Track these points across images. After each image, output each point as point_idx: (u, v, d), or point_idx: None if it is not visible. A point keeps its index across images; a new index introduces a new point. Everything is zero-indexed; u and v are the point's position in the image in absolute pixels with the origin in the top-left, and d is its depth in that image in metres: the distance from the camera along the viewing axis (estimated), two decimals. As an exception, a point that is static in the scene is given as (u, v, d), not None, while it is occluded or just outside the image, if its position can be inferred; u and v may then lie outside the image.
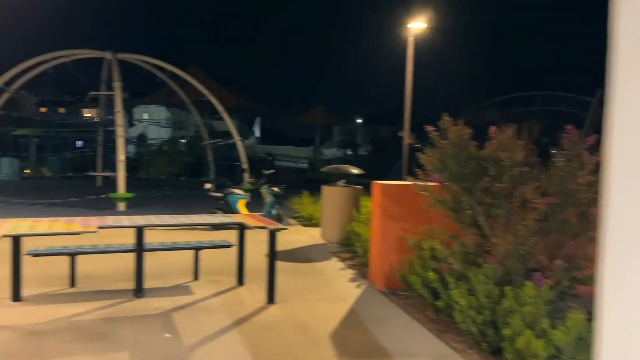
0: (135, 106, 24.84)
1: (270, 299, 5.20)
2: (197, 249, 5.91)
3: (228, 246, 6.04)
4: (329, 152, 44.84)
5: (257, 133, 54.32)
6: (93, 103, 18.96)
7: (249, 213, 9.57)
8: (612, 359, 1.09)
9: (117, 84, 13.24)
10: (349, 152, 44.31)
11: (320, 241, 8.62)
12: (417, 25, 11.13)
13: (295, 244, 8.27)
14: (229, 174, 18.31)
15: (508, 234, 4.24)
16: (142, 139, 27.53)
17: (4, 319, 4.45)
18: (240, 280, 5.81)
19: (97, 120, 18.42)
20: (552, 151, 4.67)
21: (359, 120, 60.38)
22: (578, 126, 4.93)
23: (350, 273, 6.62)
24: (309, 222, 10.51)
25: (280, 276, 5.34)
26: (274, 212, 9.92)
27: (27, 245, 5.22)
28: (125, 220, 5.24)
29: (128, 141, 14.32)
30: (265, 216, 8.62)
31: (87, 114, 38.64)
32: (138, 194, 12.80)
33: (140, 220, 5.23)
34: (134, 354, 3.93)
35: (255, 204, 10.45)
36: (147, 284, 5.37)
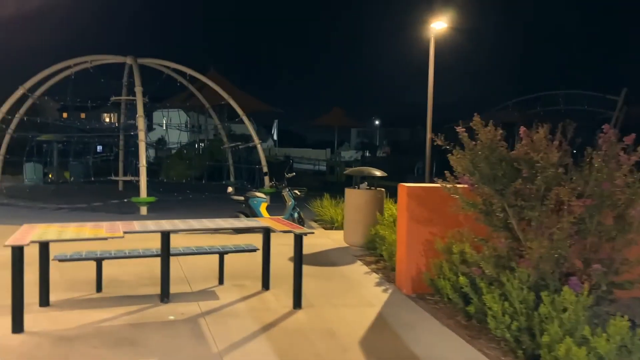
0: (154, 110, 25.03)
1: (297, 304, 5.14)
2: (222, 253, 5.87)
3: (253, 250, 6.00)
4: (347, 154, 44.72)
5: (275, 136, 54.44)
6: (114, 108, 19.17)
7: (270, 216, 9.54)
8: None
9: (138, 89, 13.34)
10: (367, 154, 44.14)
11: (343, 244, 8.53)
12: (439, 25, 11.00)
13: (318, 247, 8.20)
14: (248, 177, 18.33)
15: (543, 238, 4.11)
16: (161, 143, 27.76)
17: (32, 324, 4.45)
18: (266, 285, 5.75)
19: (117, 125, 18.62)
20: (587, 151, 4.53)
21: (377, 122, 60.14)
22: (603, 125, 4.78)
23: (375, 277, 6.52)
24: (331, 225, 10.44)
25: (305, 280, 5.27)
26: (295, 215, 9.86)
27: (53, 250, 5.24)
28: (151, 225, 5.22)
29: (148, 145, 14.40)
30: (287, 219, 8.57)
31: (107, 118, 39.14)
32: (159, 197, 12.87)
33: (166, 225, 5.21)
34: (163, 361, 3.89)
35: (274, 207, 10.40)
36: (173, 288, 5.35)
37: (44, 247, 4.92)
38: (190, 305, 5.12)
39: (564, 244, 4.07)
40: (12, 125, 15.04)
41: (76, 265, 5.90)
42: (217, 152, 21.43)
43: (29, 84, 14.20)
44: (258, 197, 9.84)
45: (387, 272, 6.66)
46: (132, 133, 15.45)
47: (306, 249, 7.03)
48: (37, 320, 4.58)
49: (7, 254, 4.25)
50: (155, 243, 6.50)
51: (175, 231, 5.09)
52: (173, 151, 24.43)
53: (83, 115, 31.60)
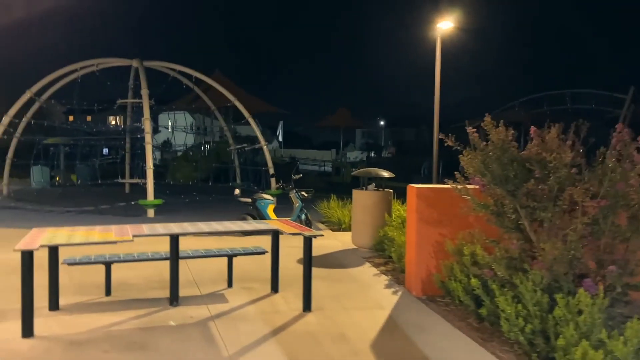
0: (160, 113, 25.09)
1: (307, 307, 5.10)
2: (231, 256, 5.85)
3: (262, 253, 5.96)
4: (352, 154, 44.68)
5: (280, 137, 54.47)
6: (120, 111, 19.21)
7: (277, 218, 9.52)
8: None
9: (145, 92, 13.35)
10: (372, 154, 44.07)
11: (351, 246, 8.49)
12: (445, 25, 10.95)
13: (326, 249, 8.16)
14: (255, 179, 18.32)
15: (556, 239, 4.06)
16: (166, 145, 27.82)
17: (42, 328, 4.43)
18: (275, 288, 5.72)
19: (122, 127, 18.65)
20: (599, 151, 4.48)
21: (382, 123, 60.06)
22: (611, 124, 4.73)
23: (385, 279, 6.48)
24: (338, 226, 10.40)
25: (314, 283, 5.23)
26: (302, 216, 9.84)
27: (62, 254, 5.23)
28: (160, 228, 5.21)
29: (154, 148, 14.41)
30: (294, 221, 8.55)
31: (113, 121, 39.27)
32: (166, 200, 12.87)
33: (175, 228, 5.19)
34: (174, 365, 3.87)
35: (280, 208, 10.36)
36: (182, 292, 5.32)
37: (53, 251, 4.91)
38: (200, 309, 5.10)
39: (577, 245, 4.02)
40: (19, 129, 15.09)
41: (85, 269, 5.89)
42: (223, 154, 21.45)
43: (35, 87, 14.25)
44: (265, 199, 9.81)
45: (397, 274, 6.62)
46: (138, 136, 15.47)
47: (314, 251, 6.98)
48: (46, 324, 4.56)
49: (16, 257, 4.24)
50: (163, 246, 6.49)
51: (184, 234, 5.06)
52: (179, 153, 24.46)
53: (89, 118, 31.72)
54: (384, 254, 7.54)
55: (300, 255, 7.41)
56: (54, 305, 4.92)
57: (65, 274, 5.44)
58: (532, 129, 4.55)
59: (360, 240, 8.29)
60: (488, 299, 4.53)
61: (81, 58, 14.64)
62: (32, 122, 15.33)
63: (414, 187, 5.81)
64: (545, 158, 4.08)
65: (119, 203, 13.27)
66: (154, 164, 12.68)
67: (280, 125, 54.69)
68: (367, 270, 6.95)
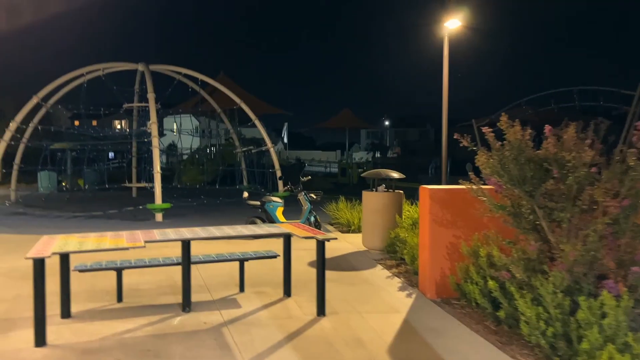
0: (165, 116, 25.11)
1: (321, 311, 5.03)
2: (243, 260, 5.79)
3: (274, 257, 5.91)
4: (357, 155, 44.54)
5: (285, 139, 54.43)
6: (125, 115, 19.21)
7: (286, 221, 9.45)
8: None
9: (151, 95, 13.32)
10: (377, 155, 43.90)
11: (362, 248, 8.42)
12: (453, 23, 10.86)
13: (337, 251, 8.09)
14: (261, 181, 18.27)
15: (576, 240, 3.98)
16: (172, 148, 27.82)
17: (54, 337, 4.39)
18: (287, 292, 5.66)
19: (129, 132, 18.65)
20: (616, 149, 4.39)
21: (387, 123, 59.90)
22: (618, 120, 4.64)
23: (398, 281, 6.40)
24: (348, 228, 10.33)
25: (327, 286, 5.15)
26: (312, 219, 9.77)
27: (73, 260, 5.18)
28: (172, 233, 5.15)
29: (161, 151, 14.39)
30: (303, 223, 8.48)
31: (118, 125, 39.33)
32: (174, 203, 12.83)
33: (186, 233, 5.13)
34: (189, 373, 3.81)
35: (288, 210, 10.29)
36: (193, 297, 5.26)
37: (64, 258, 4.86)
38: (213, 314, 5.04)
39: (598, 245, 3.93)
40: (26, 134, 15.10)
41: (95, 275, 5.84)
42: (229, 157, 21.41)
43: (42, 92, 14.25)
44: (274, 201, 9.75)
45: (410, 276, 6.54)
46: (145, 140, 15.45)
47: (325, 254, 6.94)
48: (59, 332, 4.51)
49: (26, 264, 4.20)
50: (172, 250, 6.45)
51: (196, 239, 5.00)
52: (185, 157, 24.45)
53: (95, 123, 31.77)
54: (395, 255, 7.46)
55: (311, 258, 7.39)
56: (65, 313, 4.88)
57: (75, 280, 5.39)
58: (547, 127, 4.46)
59: (370, 242, 8.21)
60: (506, 301, 4.44)
61: (87, 63, 14.65)
62: (39, 128, 15.33)
63: (427, 188, 5.73)
64: (564, 157, 3.99)
65: (127, 207, 13.25)
66: (161, 168, 12.62)
67: (285, 127, 54.65)
68: (379, 273, 6.88)
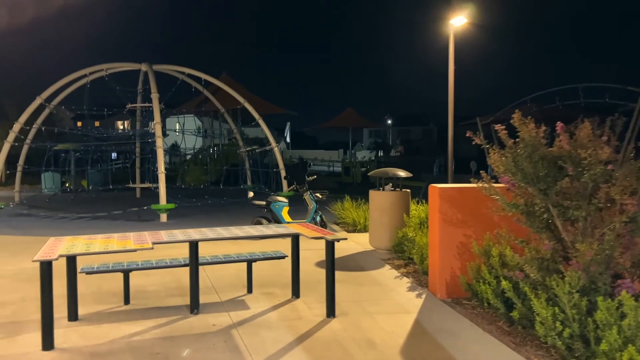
0: (168, 116, 25.06)
1: (331, 312, 4.97)
2: (251, 261, 5.73)
3: (282, 257, 5.85)
4: (360, 154, 44.46)
5: (288, 138, 54.34)
6: (128, 115, 19.16)
7: (292, 221, 9.39)
8: None
9: (155, 95, 13.26)
10: (380, 154, 43.82)
11: (369, 248, 8.35)
12: (458, 21, 10.77)
13: (344, 251, 8.02)
14: (265, 181, 18.20)
15: (592, 239, 3.90)
16: (175, 148, 27.77)
17: (62, 340, 4.34)
18: (296, 293, 5.60)
19: (132, 132, 18.60)
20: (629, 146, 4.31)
21: (389, 121, 59.78)
22: (625, 117, 4.55)
23: (407, 281, 6.34)
24: (354, 227, 10.26)
25: (335, 286, 5.09)
26: (317, 218, 9.71)
27: (79, 262, 5.13)
28: (180, 234, 5.09)
29: (165, 152, 14.33)
30: (309, 223, 8.41)
31: (121, 126, 39.32)
32: (178, 204, 12.78)
33: (194, 234, 5.07)
34: (199, 377, 3.75)
35: (293, 210, 10.21)
36: (201, 298, 5.20)
37: (71, 260, 4.81)
38: (221, 316, 4.98)
39: (615, 244, 3.86)
40: (30, 136, 15.07)
41: (101, 277, 5.79)
42: (232, 157, 21.35)
43: (45, 93, 14.21)
44: (280, 201, 9.68)
45: (419, 276, 6.47)
46: (149, 140, 15.40)
47: (335, 254, 6.88)
48: (66, 335, 4.46)
49: (32, 266, 4.15)
50: (179, 251, 6.40)
51: (204, 240, 4.94)
52: (188, 157, 24.39)
53: (97, 124, 31.76)
54: (403, 255, 7.40)
55: (318, 258, 7.33)
56: (73, 315, 4.83)
57: (82, 282, 5.34)
58: (559, 124, 4.39)
59: (378, 242, 8.14)
60: (519, 301, 4.37)
61: (90, 63, 14.61)
62: (43, 129, 15.29)
63: (436, 187, 5.66)
64: (580, 155, 3.92)
65: (131, 208, 13.20)
66: (165, 168, 12.57)
67: (287, 127, 54.55)
68: (388, 273, 6.81)
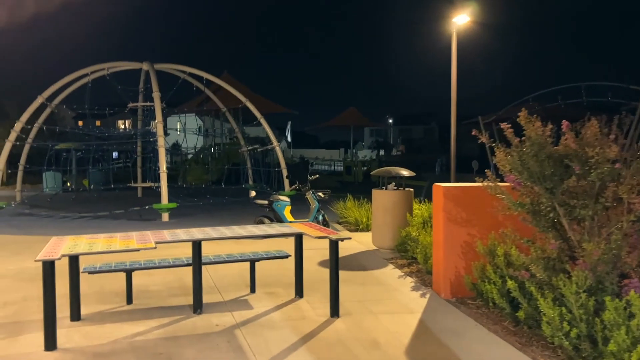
0: (169, 115, 25.03)
1: (335, 312, 4.94)
2: (254, 260, 5.70)
3: (285, 257, 5.81)
4: (361, 153, 44.43)
5: (289, 137, 54.33)
6: (129, 115, 19.14)
7: (295, 220, 9.36)
8: None
9: (156, 94, 13.24)
10: (381, 153, 43.77)
11: (372, 247, 8.31)
12: (461, 19, 10.73)
13: (346, 250, 7.99)
14: (267, 180, 18.18)
15: (600, 238, 3.87)
16: (176, 147, 27.74)
17: (64, 340, 4.30)
18: (299, 292, 5.56)
19: (133, 131, 18.58)
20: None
21: (390, 121, 59.71)
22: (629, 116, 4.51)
23: (410, 281, 6.30)
24: (356, 227, 10.22)
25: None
26: (320, 217, 9.67)
27: (82, 261, 5.10)
28: (182, 234, 5.06)
29: (166, 151, 14.31)
30: (311, 222, 8.37)
31: (122, 125, 39.28)
32: (180, 203, 12.75)
33: (197, 233, 5.04)
34: (203, 377, 3.72)
35: (295, 209, 10.18)
36: (204, 298, 5.16)
37: (74, 260, 4.78)
38: (224, 316, 4.95)
39: (622, 243, 3.83)
40: (31, 135, 15.05)
41: (103, 276, 5.76)
42: (234, 156, 21.31)
43: (47, 92, 14.19)
44: (282, 200, 9.65)
45: (422, 276, 6.44)
46: (150, 139, 15.38)
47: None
48: (69, 335, 4.43)
49: (34, 266, 4.13)
50: (181, 251, 6.37)
51: (207, 239, 4.91)
52: (189, 156, 24.36)
53: (98, 123, 31.75)
54: (406, 254, 7.36)
55: (321, 257, 7.30)
56: (75, 315, 4.80)
57: (84, 282, 5.31)
58: (565, 123, 4.35)
59: (380, 241, 8.11)
60: (525, 301, 4.34)
61: (92, 62, 14.58)
62: (44, 128, 15.27)
63: (441, 186, 5.62)
64: (588, 153, 3.88)
65: (133, 207, 13.18)
66: (167, 167, 12.54)
67: (288, 126, 54.52)
68: (391, 272, 6.78)
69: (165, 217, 11.95)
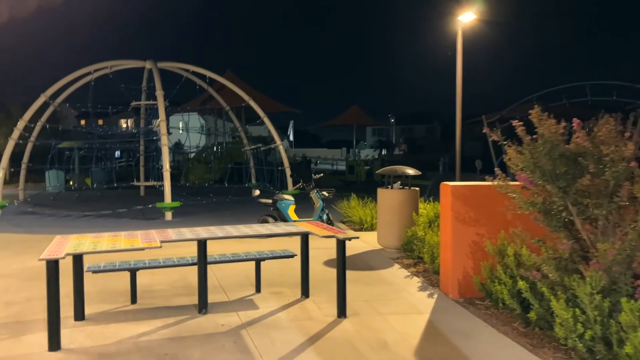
0: (172, 114, 25.01)
1: (342, 313, 4.87)
2: (259, 260, 5.63)
3: (291, 256, 5.75)
4: (364, 152, 44.32)
5: (291, 137, 54.27)
6: (131, 113, 19.09)
7: (299, 219, 9.29)
8: None
9: (159, 93, 13.17)
10: (384, 152, 43.67)
11: (377, 247, 8.24)
12: (467, 17, 10.63)
13: (352, 250, 7.91)
14: (270, 179, 18.10)
15: (614, 238, 3.79)
16: (178, 146, 27.69)
17: (68, 340, 4.25)
18: (305, 292, 5.50)
19: (136, 130, 18.52)
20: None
21: (392, 120, 59.61)
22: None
23: (417, 281, 6.23)
24: (361, 226, 10.15)
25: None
26: (324, 217, 9.60)
27: (86, 260, 5.04)
28: (188, 232, 4.99)
29: (169, 149, 14.24)
30: (316, 221, 8.30)
31: (124, 124, 39.27)
32: (183, 202, 12.69)
33: (202, 232, 4.97)
34: (209, 379, 3.66)
35: (299, 208, 10.10)
36: (209, 298, 5.10)
37: (78, 259, 4.72)
38: (230, 316, 4.89)
39: (637, 243, 3.75)
40: (35, 133, 15.00)
41: (107, 275, 5.70)
42: (237, 155, 21.23)
43: (50, 91, 14.12)
44: (286, 199, 9.58)
45: (429, 276, 6.36)
46: (154, 138, 15.31)
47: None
48: (73, 335, 4.37)
49: (37, 265, 4.07)
50: (185, 250, 6.31)
51: (213, 238, 4.84)
52: (191, 155, 24.30)
53: (101, 122, 31.74)
54: (412, 254, 7.29)
55: (327, 257, 7.23)
56: (79, 315, 4.74)
57: (88, 281, 5.25)
58: (576, 121, 4.27)
59: (386, 241, 8.03)
60: (537, 302, 4.26)
61: (95, 60, 14.51)
62: (47, 126, 15.22)
63: (449, 185, 5.55)
64: (602, 152, 3.80)
65: (136, 206, 13.12)
66: (170, 166, 12.47)
67: (291, 125, 54.46)
68: (397, 272, 6.71)
69: (168, 215, 11.89)
